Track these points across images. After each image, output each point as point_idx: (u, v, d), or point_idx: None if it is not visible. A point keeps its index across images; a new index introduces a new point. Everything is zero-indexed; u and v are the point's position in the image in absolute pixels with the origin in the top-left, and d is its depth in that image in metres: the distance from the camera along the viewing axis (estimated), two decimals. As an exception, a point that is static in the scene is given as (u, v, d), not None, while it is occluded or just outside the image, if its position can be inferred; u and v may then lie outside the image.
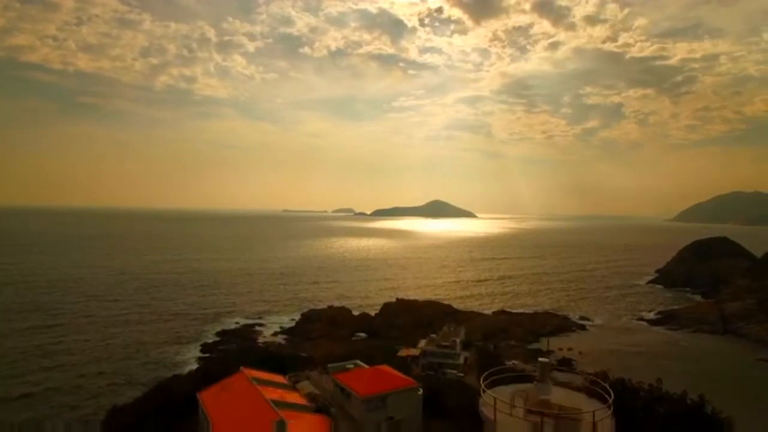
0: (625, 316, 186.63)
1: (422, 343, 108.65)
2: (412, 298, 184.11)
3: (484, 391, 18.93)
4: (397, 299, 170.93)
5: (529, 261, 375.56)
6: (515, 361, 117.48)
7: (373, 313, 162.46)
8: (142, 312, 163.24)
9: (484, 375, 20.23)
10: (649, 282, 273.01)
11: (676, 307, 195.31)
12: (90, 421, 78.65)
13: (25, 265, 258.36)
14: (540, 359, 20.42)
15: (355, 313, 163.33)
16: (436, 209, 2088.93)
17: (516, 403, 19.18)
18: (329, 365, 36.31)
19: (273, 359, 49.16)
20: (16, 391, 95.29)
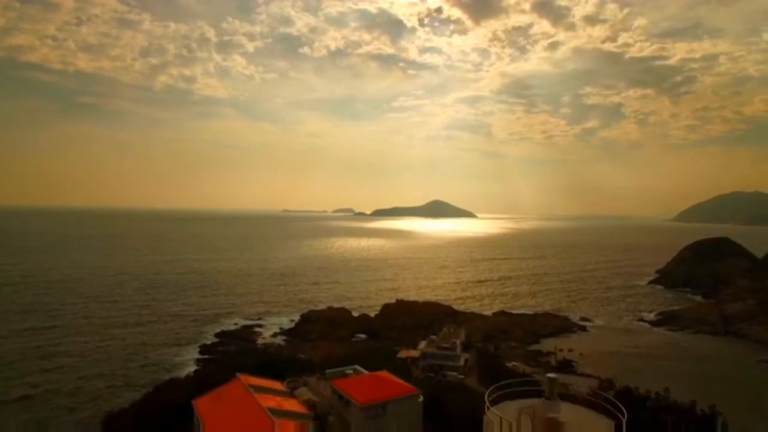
0: (625, 316, 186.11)
1: (422, 344, 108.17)
2: (412, 299, 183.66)
3: (488, 408, 18.09)
4: (397, 300, 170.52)
5: (529, 261, 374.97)
6: (515, 363, 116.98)
7: (372, 314, 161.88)
8: (142, 313, 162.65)
9: (488, 391, 19.41)
10: (650, 282, 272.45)
11: (676, 307, 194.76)
12: (90, 423, 78.09)
13: (24, 266, 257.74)
14: (548, 375, 19.54)
15: (355, 314, 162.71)
16: (436, 209, 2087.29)
17: (522, 422, 18.11)
18: (327, 371, 35.74)
19: (270, 365, 48.60)
20: (15, 393, 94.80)
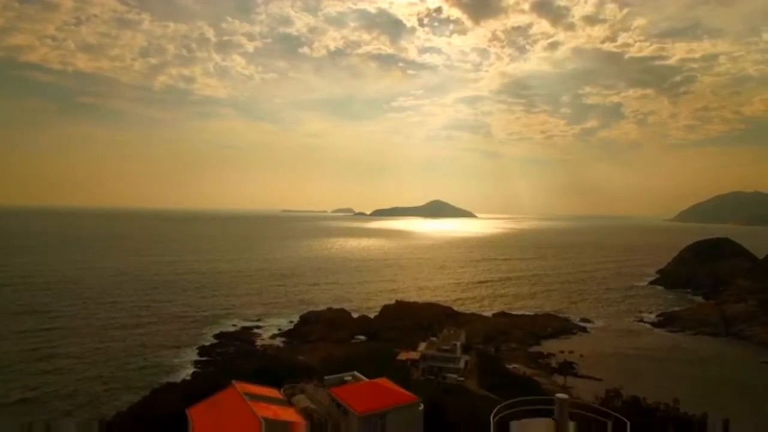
0: (626, 317, 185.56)
1: (422, 346, 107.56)
2: (411, 300, 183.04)
3: (493, 429, 17.16)
4: (397, 301, 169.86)
5: (528, 262, 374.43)
6: (516, 365, 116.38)
7: (372, 316, 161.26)
8: (141, 314, 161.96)
9: (494, 412, 18.50)
10: (650, 283, 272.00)
11: (677, 308, 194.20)
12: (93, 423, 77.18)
13: (24, 266, 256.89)
14: (557, 395, 18.66)
15: (354, 315, 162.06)
16: (436, 209, 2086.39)
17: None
18: (326, 378, 35.08)
19: (267, 371, 47.81)
20: (13, 396, 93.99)
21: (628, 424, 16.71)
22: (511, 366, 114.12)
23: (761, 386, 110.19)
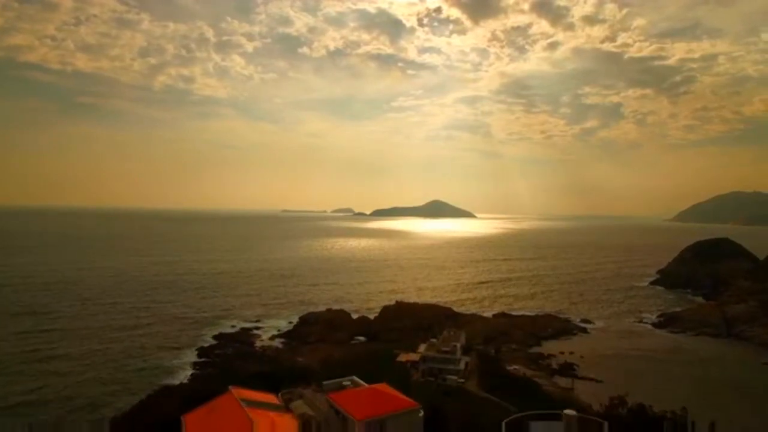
0: (626, 318, 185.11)
1: (422, 347, 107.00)
2: (411, 300, 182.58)
3: None
4: (397, 302, 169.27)
5: (528, 262, 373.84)
6: (516, 366, 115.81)
7: (372, 317, 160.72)
8: (140, 315, 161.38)
9: (504, 422, 17.91)
10: (651, 283, 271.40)
11: (678, 309, 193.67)
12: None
13: (24, 267, 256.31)
14: (565, 411, 18.13)
15: (354, 316, 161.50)
16: (436, 209, 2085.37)
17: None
18: (324, 383, 34.58)
19: (265, 374, 47.28)
20: (10, 399, 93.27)
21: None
22: (511, 367, 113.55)
23: (763, 387, 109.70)
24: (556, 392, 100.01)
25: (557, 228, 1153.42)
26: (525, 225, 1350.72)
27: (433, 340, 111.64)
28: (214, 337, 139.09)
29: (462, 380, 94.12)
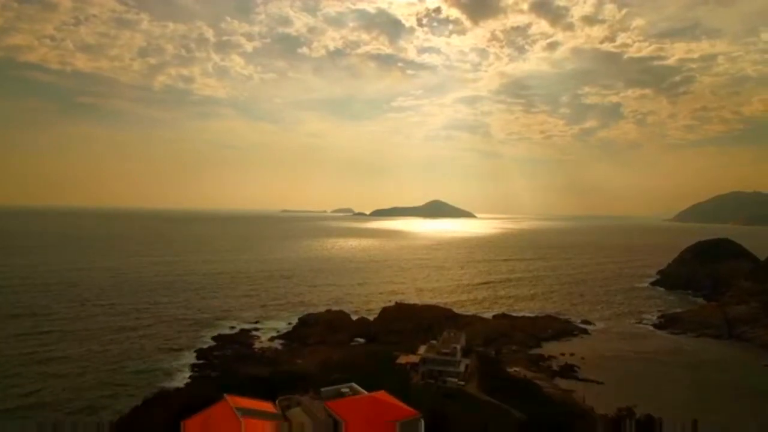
0: (627, 319, 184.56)
1: (422, 349, 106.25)
2: (411, 301, 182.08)
3: None
4: (396, 303, 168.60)
5: (528, 262, 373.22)
6: (516, 368, 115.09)
7: (371, 318, 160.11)
8: (140, 317, 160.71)
9: None
10: (651, 284, 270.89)
11: (678, 310, 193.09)
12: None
13: (23, 267, 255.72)
14: None
15: (354, 317, 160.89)
16: (436, 209, 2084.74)
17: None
18: (322, 389, 33.93)
19: (262, 379, 46.66)
20: (9, 402, 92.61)
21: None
22: (512, 369, 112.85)
23: (765, 389, 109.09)
24: (557, 394, 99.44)
25: (557, 228, 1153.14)
26: (525, 225, 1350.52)
27: (433, 341, 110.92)
28: (213, 339, 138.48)
29: (462, 383, 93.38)
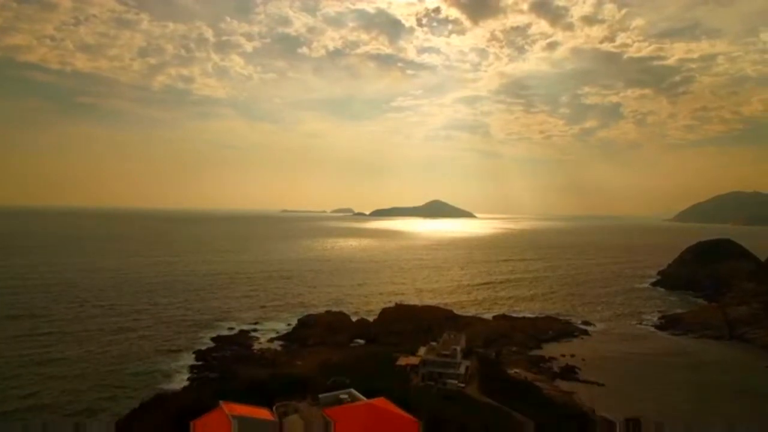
0: (628, 320, 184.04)
1: (422, 351, 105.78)
2: (411, 302, 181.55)
3: None
4: (396, 304, 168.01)
5: (528, 263, 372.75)
6: (517, 370, 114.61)
7: (371, 319, 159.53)
8: (139, 317, 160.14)
9: None
10: (652, 284, 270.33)
11: (679, 311, 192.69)
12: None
13: (23, 268, 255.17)
14: None
15: (353, 318, 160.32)
16: (435, 209, 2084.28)
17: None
18: (321, 396, 33.41)
19: (260, 384, 46.12)
20: (6, 405, 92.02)
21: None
22: (512, 371, 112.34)
23: (766, 390, 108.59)
24: (557, 396, 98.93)
25: (557, 228, 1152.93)
26: (525, 225, 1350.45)
27: (433, 343, 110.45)
28: (212, 340, 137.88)
29: (462, 385, 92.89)
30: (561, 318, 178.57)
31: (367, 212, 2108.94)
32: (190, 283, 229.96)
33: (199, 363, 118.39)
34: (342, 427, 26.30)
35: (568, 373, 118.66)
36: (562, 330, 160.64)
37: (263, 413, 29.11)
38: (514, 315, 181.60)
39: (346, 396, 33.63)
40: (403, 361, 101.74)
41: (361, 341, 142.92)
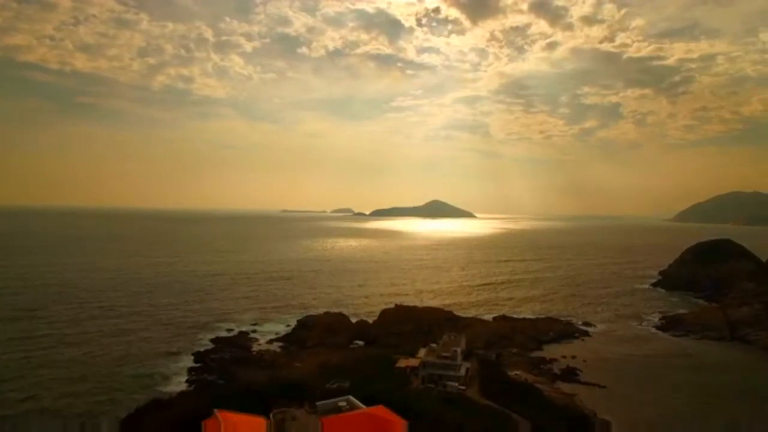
0: (628, 321, 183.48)
1: (422, 353, 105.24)
2: (411, 303, 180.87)
3: None
4: (396, 305, 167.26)
5: (529, 263, 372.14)
6: (518, 372, 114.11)
7: (371, 320, 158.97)
8: (139, 319, 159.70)
9: None
10: (652, 285, 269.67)
11: (680, 311, 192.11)
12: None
13: (23, 268, 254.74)
14: None
15: (353, 320, 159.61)
16: (435, 209, 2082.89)
17: None
18: (318, 403, 32.93)
19: (254, 394, 45.45)
20: (4, 408, 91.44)
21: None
22: (513, 373, 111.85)
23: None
24: (558, 398, 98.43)
25: (557, 228, 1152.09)
26: (525, 225, 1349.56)
27: (433, 345, 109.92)
28: (212, 341, 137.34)
29: (463, 387, 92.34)
30: (562, 319, 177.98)
31: (367, 212, 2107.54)
32: (190, 284, 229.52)
33: (198, 365, 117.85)
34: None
35: (569, 374, 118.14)
36: (563, 331, 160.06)
37: (259, 422, 28.59)
38: (515, 316, 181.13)
39: (344, 403, 33.14)
40: (402, 363, 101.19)
41: (361, 343, 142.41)
